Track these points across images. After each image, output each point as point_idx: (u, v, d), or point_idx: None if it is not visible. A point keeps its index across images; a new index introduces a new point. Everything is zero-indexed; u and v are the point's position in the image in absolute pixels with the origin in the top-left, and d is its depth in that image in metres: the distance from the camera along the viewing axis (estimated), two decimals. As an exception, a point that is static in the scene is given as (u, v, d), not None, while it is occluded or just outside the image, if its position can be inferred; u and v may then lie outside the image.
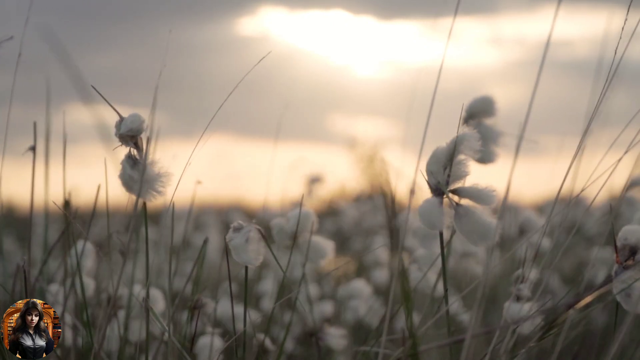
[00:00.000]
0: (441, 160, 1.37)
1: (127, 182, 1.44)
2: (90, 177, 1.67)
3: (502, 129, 1.79)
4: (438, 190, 1.37)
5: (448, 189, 1.37)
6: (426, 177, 1.38)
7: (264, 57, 1.51)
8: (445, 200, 1.38)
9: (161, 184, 1.45)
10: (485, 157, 1.77)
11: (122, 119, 1.44)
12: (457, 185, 1.38)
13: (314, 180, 4.70)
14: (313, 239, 1.69)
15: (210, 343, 1.85)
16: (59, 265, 1.89)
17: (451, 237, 1.43)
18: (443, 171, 1.37)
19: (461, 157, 1.36)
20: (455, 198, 1.37)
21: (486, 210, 1.36)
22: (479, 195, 1.36)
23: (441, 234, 1.42)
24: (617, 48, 1.40)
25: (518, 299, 1.43)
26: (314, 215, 1.70)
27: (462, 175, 1.37)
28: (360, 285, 2.47)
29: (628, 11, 1.39)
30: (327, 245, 1.73)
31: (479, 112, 1.79)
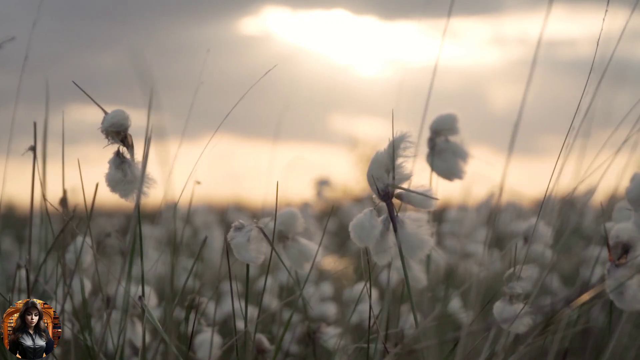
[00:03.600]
0: (383, 164, 1.37)
1: (111, 182, 1.45)
2: (90, 177, 1.67)
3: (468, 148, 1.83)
4: (385, 195, 1.38)
5: (395, 192, 1.37)
6: (370, 184, 1.39)
7: (272, 68, 1.52)
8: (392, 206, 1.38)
9: (145, 185, 1.44)
10: (453, 174, 1.81)
11: (106, 114, 1.45)
12: (402, 186, 1.38)
13: (323, 183, 4.70)
14: (299, 241, 1.69)
15: (210, 340, 1.85)
16: (56, 263, 1.89)
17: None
18: (387, 175, 1.37)
19: (401, 159, 1.37)
20: (397, 203, 1.38)
21: (423, 225, 1.37)
22: (419, 200, 1.38)
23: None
24: (597, 46, 1.41)
25: (510, 297, 1.43)
26: (301, 215, 1.69)
27: (406, 177, 1.38)
28: (362, 289, 2.46)
29: (606, 12, 1.39)
30: (313, 248, 1.72)
31: (443, 129, 1.83)
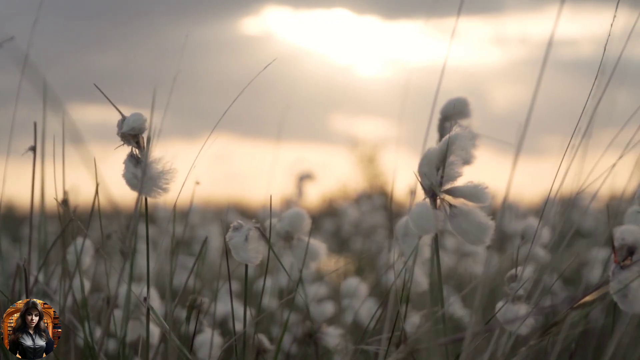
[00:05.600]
0: (433, 161, 1.36)
1: (131, 180, 1.45)
2: (90, 177, 1.67)
3: (484, 130, 1.80)
4: (432, 192, 1.37)
5: (442, 190, 1.36)
6: (419, 179, 1.38)
7: (270, 63, 1.52)
8: (438, 202, 1.37)
9: (165, 181, 1.45)
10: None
11: (124, 117, 1.45)
12: (450, 185, 1.37)
13: (304, 178, 4.68)
14: (306, 241, 1.69)
15: (210, 341, 1.85)
16: (57, 263, 1.89)
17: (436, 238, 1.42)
18: (436, 172, 1.36)
19: (453, 157, 1.36)
20: (449, 198, 1.37)
21: (480, 210, 1.36)
22: (472, 193, 1.36)
23: (436, 237, 1.41)
24: (606, 46, 1.41)
25: (513, 298, 1.43)
26: (308, 215, 1.70)
27: (455, 176, 1.36)
28: (356, 283, 2.47)
29: (634, 13, 1.39)
30: (320, 248, 1.72)
31: (454, 113, 1.79)
